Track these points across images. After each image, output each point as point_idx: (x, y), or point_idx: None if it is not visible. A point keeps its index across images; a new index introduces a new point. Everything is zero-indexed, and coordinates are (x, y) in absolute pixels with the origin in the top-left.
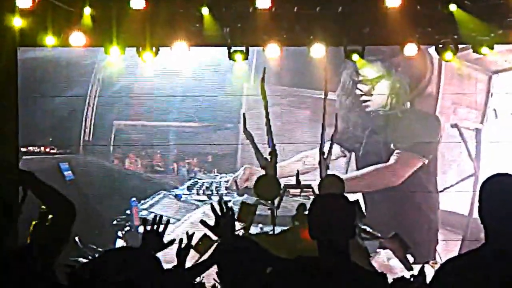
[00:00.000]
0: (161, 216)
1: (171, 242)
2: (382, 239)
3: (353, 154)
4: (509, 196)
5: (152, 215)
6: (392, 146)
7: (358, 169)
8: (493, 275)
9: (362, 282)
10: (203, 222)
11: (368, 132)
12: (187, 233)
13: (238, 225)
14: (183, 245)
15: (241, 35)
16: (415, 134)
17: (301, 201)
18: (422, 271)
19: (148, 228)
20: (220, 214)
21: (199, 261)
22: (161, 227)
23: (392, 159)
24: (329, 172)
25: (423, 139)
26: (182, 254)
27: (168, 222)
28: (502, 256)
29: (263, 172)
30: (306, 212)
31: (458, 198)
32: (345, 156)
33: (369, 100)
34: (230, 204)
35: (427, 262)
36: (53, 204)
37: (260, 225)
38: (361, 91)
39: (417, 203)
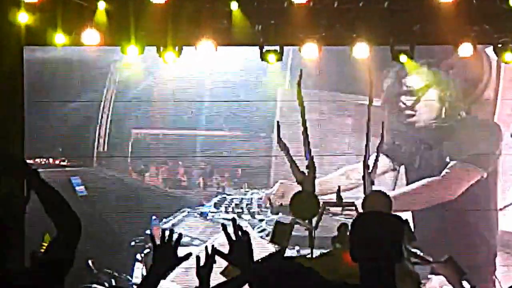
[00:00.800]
0: (171, 230)
1: (187, 256)
2: (434, 263)
3: (402, 168)
4: None
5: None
6: (447, 159)
7: (407, 184)
8: None
9: None
10: (215, 250)
11: (419, 143)
12: (205, 248)
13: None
14: (202, 263)
15: (274, 33)
16: (473, 145)
17: (342, 221)
18: None
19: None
20: (234, 238)
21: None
22: (174, 240)
23: (445, 172)
24: (374, 188)
25: (482, 151)
26: (203, 273)
27: (180, 235)
28: None
29: (299, 188)
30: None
31: None
32: (394, 169)
33: (414, 115)
34: (245, 227)
35: None
36: (56, 213)
37: (297, 247)
38: (405, 104)
39: (474, 223)
